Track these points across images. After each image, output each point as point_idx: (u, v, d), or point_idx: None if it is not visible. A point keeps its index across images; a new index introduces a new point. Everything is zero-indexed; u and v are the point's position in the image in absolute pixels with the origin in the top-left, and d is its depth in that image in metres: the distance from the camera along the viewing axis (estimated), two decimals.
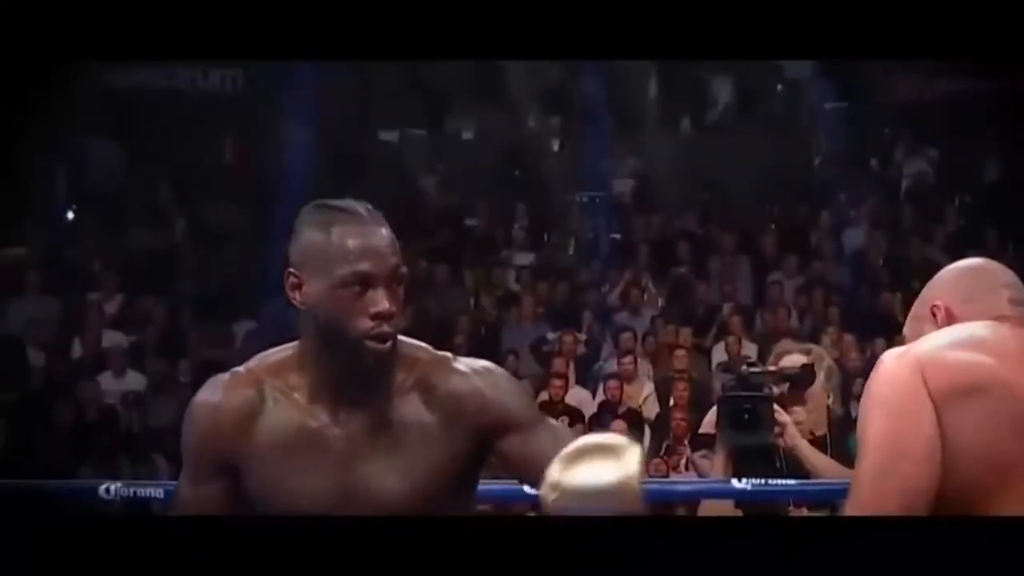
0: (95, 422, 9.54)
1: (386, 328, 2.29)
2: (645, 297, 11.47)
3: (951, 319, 2.38)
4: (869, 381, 2.28)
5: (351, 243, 2.29)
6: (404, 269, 2.35)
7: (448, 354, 2.44)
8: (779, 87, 14.80)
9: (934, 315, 2.40)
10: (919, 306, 2.46)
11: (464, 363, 2.42)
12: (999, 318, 2.34)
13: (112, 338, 10.65)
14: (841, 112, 14.04)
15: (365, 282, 2.29)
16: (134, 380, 10.14)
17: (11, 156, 11.62)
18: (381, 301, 2.29)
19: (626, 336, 10.42)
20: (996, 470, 2.15)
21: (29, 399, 9.71)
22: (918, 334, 2.39)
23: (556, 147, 14.97)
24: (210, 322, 11.05)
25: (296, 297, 2.34)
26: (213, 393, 2.42)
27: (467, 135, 15.01)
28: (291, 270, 2.34)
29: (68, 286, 11.37)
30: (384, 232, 2.34)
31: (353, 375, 2.33)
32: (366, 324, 2.28)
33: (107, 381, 10.03)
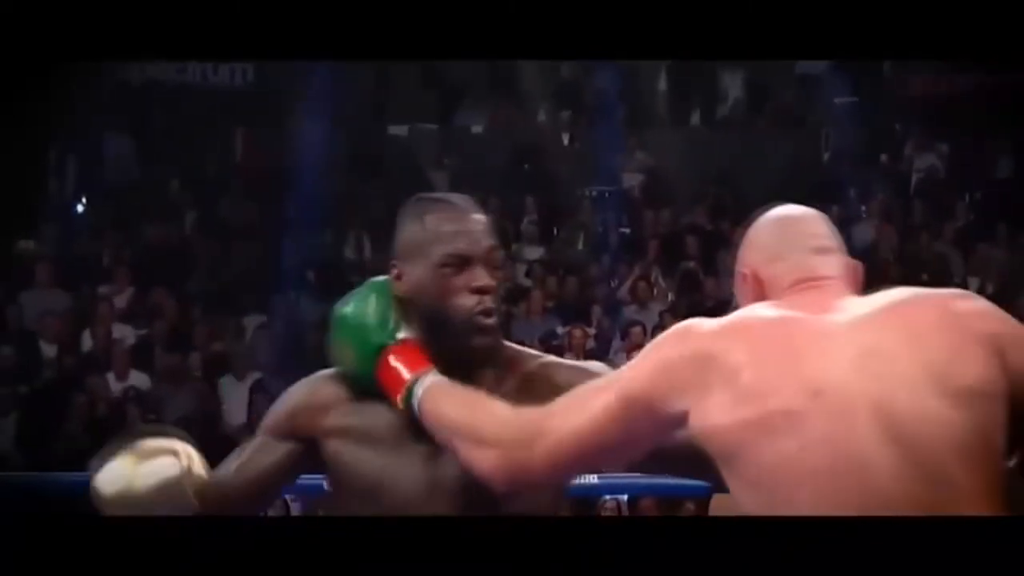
0: (106, 415, 9.56)
1: (489, 303, 2.33)
2: (654, 291, 11.47)
3: (759, 285, 2.17)
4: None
5: (445, 227, 2.35)
6: (501, 252, 2.39)
7: (555, 357, 2.47)
8: (789, 82, 14.79)
9: (745, 282, 2.21)
10: (736, 272, 2.25)
11: (573, 362, 2.47)
12: (803, 281, 2.14)
13: (121, 332, 10.68)
14: (851, 107, 14.02)
15: (462, 262, 2.33)
16: (137, 380, 10.13)
17: (22, 150, 11.64)
18: (481, 277, 2.32)
19: (636, 330, 10.41)
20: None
21: (40, 392, 9.74)
22: (742, 304, 2.19)
23: (566, 142, 14.97)
24: (220, 315, 11.07)
25: (400, 289, 2.38)
26: (317, 375, 2.47)
27: (477, 129, 15.01)
28: (393, 262, 2.40)
29: (78, 280, 11.40)
30: (478, 216, 2.40)
31: (454, 366, 2.33)
32: (469, 300, 2.31)
33: (111, 382, 10.04)
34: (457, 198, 2.43)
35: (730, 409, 2.01)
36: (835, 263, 2.22)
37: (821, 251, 2.20)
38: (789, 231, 2.21)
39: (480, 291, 2.32)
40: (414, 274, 2.35)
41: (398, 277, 2.38)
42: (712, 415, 2.02)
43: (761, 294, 2.18)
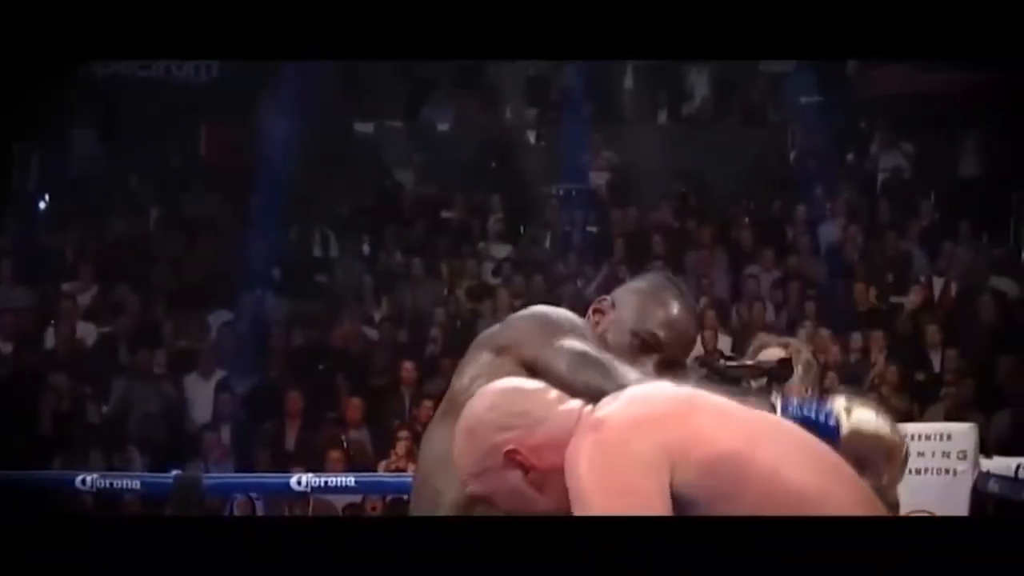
0: (69, 413, 9.50)
1: None
2: None
3: (534, 455, 2.19)
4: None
5: (669, 313, 2.65)
6: (681, 368, 2.67)
7: None
8: (756, 80, 14.81)
9: (519, 462, 2.19)
10: (478, 458, 2.22)
11: None
12: (572, 421, 2.21)
13: (85, 329, 10.61)
14: (817, 106, 14.05)
15: (651, 343, 2.63)
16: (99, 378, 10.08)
17: None
18: (647, 366, 2.61)
19: None
20: None
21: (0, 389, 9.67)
22: (498, 487, 2.20)
23: (533, 139, 14.95)
24: (184, 313, 11.01)
25: (593, 320, 2.67)
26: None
27: (443, 127, 14.98)
28: (606, 298, 2.70)
29: (42, 276, 11.32)
30: (694, 326, 2.73)
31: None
32: (628, 375, 2.52)
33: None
34: (692, 302, 2.73)
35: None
36: (572, 400, 2.28)
37: (560, 398, 2.27)
38: (530, 395, 2.26)
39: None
40: (613, 322, 2.65)
41: (600, 311, 2.67)
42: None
43: (542, 458, 2.19)
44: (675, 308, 2.66)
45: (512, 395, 2.26)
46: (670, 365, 2.65)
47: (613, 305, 2.68)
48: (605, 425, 2.14)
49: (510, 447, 2.19)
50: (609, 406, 2.19)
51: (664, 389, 2.26)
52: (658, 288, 2.69)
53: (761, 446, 2.13)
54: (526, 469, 2.19)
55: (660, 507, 2.07)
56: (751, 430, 2.17)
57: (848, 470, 2.19)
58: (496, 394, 2.26)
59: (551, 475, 2.17)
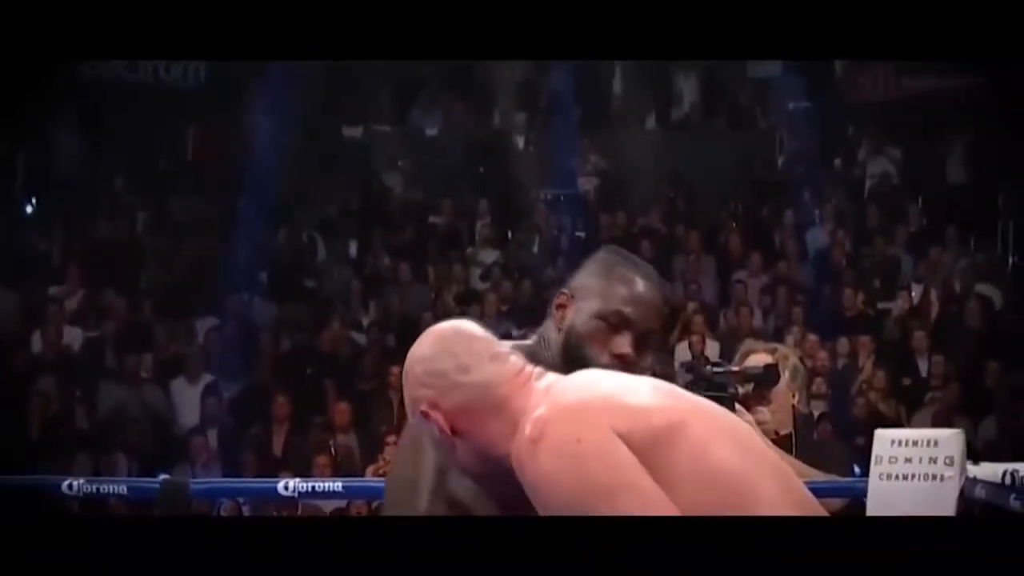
0: (55, 417, 9.48)
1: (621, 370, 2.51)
2: None
3: (447, 414, 2.20)
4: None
5: (627, 288, 2.55)
6: (658, 336, 2.58)
7: None
8: (744, 85, 14.83)
9: (429, 418, 2.20)
10: (408, 402, 2.25)
11: None
12: (510, 381, 2.23)
13: (71, 334, 10.59)
14: (805, 111, 14.08)
15: (619, 323, 2.53)
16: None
17: None
18: (625, 346, 2.53)
19: None
20: None
21: None
22: (425, 431, 2.24)
23: (521, 144, 14.95)
24: (171, 317, 10.99)
25: (558, 316, 2.59)
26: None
27: (431, 131, 14.98)
28: (564, 291, 2.61)
29: (28, 279, 11.30)
30: (659, 297, 2.59)
31: None
32: (603, 359, 2.50)
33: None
34: (650, 270, 2.61)
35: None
36: (515, 358, 2.29)
37: (496, 357, 2.26)
38: (456, 354, 2.24)
39: (619, 358, 2.51)
40: (577, 312, 2.56)
41: (561, 307, 2.58)
42: None
43: (454, 421, 2.20)
44: (635, 282, 2.59)
45: (442, 348, 2.24)
46: (647, 339, 2.58)
47: (572, 297, 2.62)
48: (548, 427, 2.12)
49: (422, 407, 2.21)
50: (540, 408, 2.16)
51: (588, 376, 2.25)
52: (613, 265, 2.63)
53: (692, 422, 2.13)
54: (438, 430, 2.20)
55: (646, 478, 2.07)
56: (682, 407, 2.18)
57: (773, 459, 2.19)
58: (431, 343, 2.25)
59: (459, 440, 2.20)
